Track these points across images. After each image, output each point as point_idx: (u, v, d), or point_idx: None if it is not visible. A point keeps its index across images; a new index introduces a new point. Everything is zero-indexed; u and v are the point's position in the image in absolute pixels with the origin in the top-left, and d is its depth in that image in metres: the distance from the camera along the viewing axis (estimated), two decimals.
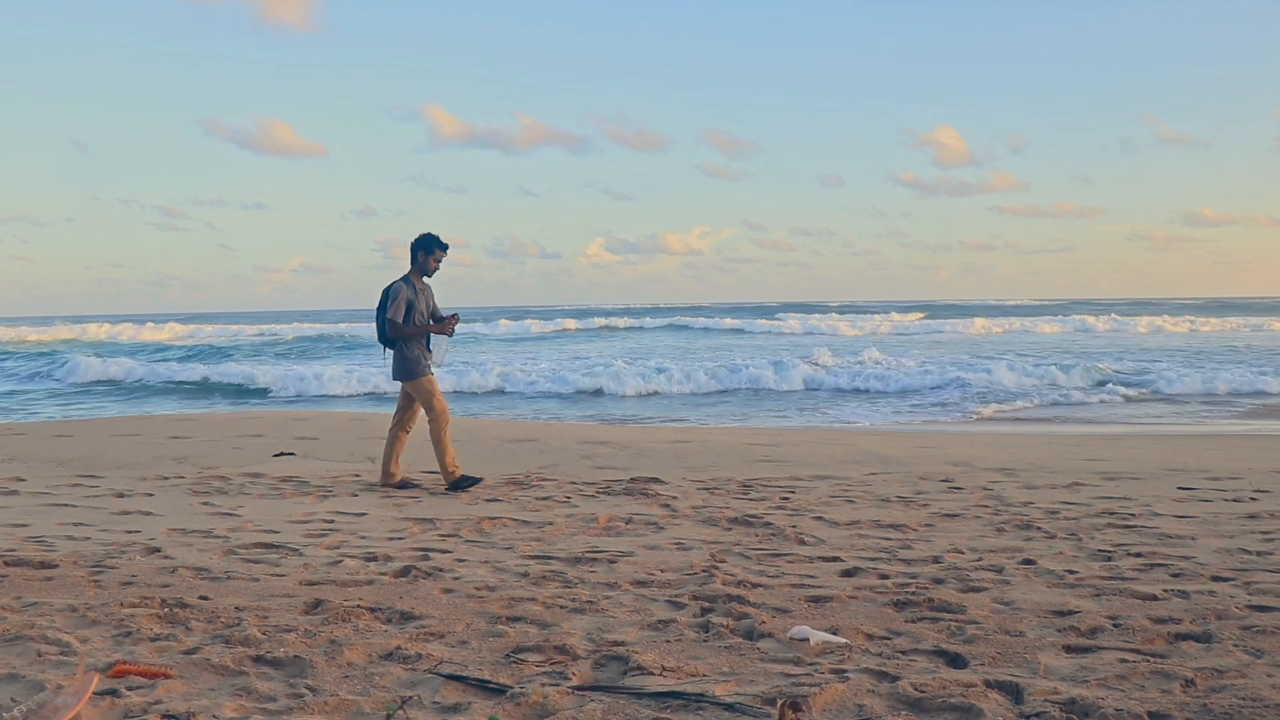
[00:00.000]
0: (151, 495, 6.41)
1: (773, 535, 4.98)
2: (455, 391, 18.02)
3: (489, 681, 2.69)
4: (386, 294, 6.79)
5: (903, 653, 2.97)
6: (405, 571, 4.13)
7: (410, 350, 6.73)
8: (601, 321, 46.98)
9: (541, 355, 27.84)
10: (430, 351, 6.83)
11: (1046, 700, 2.49)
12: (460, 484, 6.65)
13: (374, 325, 7.00)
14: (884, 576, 4.01)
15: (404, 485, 6.79)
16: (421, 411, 6.93)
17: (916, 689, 2.59)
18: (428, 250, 6.77)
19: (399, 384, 6.93)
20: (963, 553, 4.48)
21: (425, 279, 6.87)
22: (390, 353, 6.85)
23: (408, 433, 6.95)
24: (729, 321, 46.54)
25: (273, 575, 4.09)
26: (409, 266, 6.84)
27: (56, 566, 4.22)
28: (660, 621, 3.33)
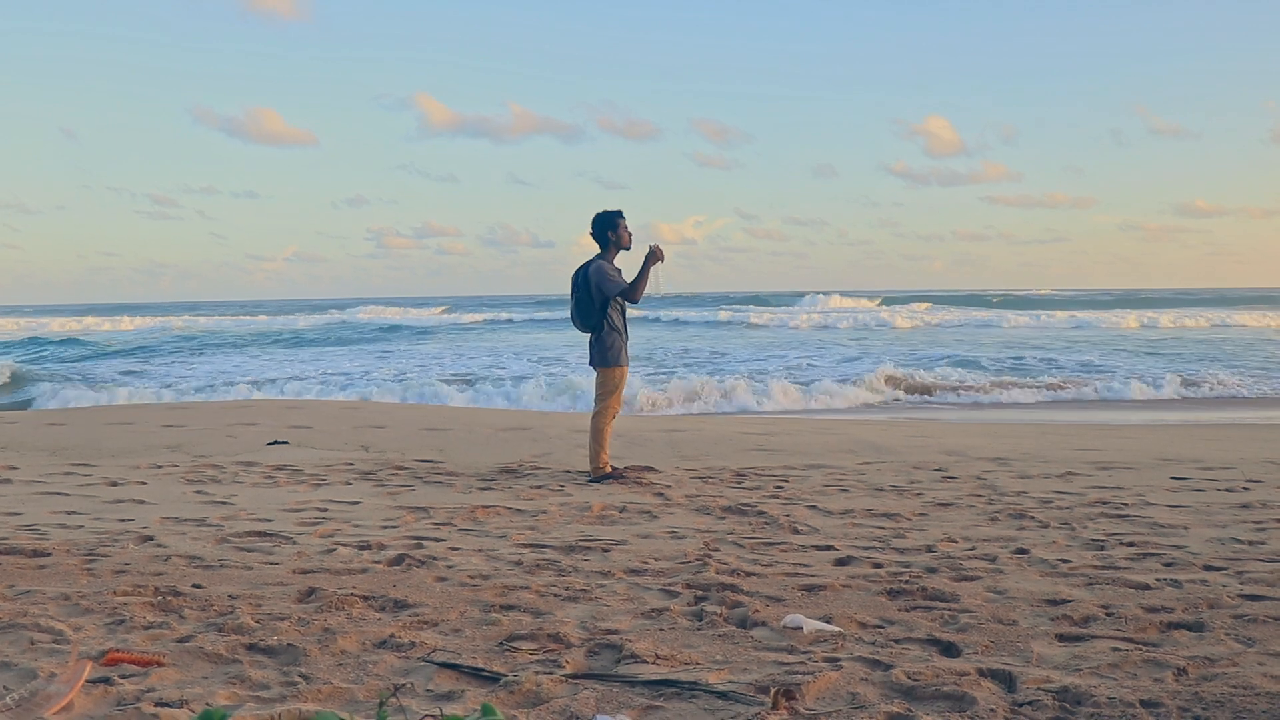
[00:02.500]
0: (145, 484, 6.40)
1: (766, 524, 4.98)
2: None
3: (482, 669, 2.69)
4: (584, 276, 6.52)
5: (896, 641, 2.98)
6: (399, 560, 4.13)
7: (611, 338, 6.54)
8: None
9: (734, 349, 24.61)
10: (626, 338, 6.66)
11: (1039, 689, 2.50)
12: (605, 479, 6.46)
13: (570, 312, 6.73)
14: (877, 565, 4.02)
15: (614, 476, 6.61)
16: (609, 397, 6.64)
17: (910, 677, 2.60)
18: (613, 226, 6.53)
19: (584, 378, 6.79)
20: (956, 542, 4.49)
21: (620, 253, 6.60)
22: (587, 339, 6.65)
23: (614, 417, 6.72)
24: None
25: (266, 563, 4.08)
26: (598, 252, 6.58)
27: (49, 555, 4.21)
28: (654, 610, 3.33)
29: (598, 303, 6.51)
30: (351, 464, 7.30)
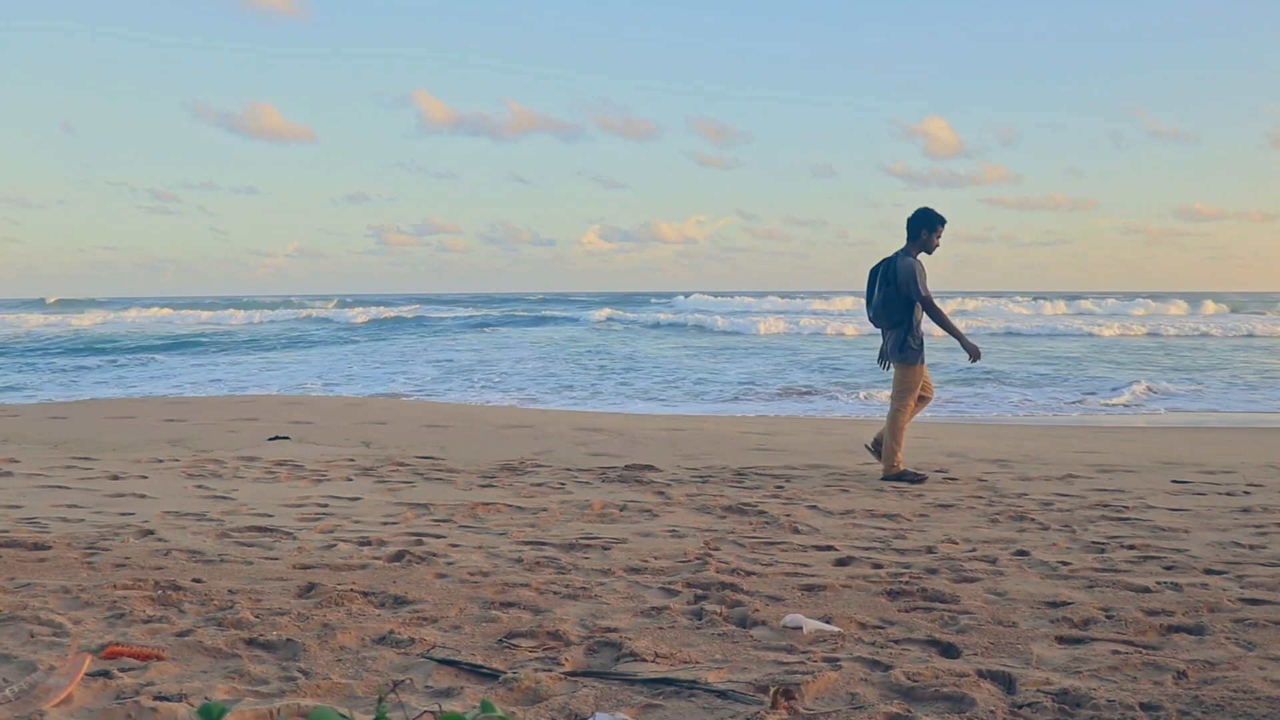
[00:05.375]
0: (145, 478, 6.40)
1: (766, 524, 4.98)
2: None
3: (482, 666, 2.69)
4: (892, 268, 6.42)
5: (895, 642, 2.97)
6: (399, 556, 4.13)
7: (917, 332, 6.49)
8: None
9: None
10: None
11: (1039, 690, 2.49)
12: (902, 478, 6.43)
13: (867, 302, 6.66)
14: (877, 566, 4.01)
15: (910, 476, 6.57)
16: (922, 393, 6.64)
17: (909, 678, 2.59)
18: (931, 227, 6.44)
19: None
20: (956, 543, 4.49)
21: (923, 255, 6.56)
22: (889, 333, 6.56)
23: (927, 402, 6.69)
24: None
25: (266, 559, 4.09)
26: (906, 243, 6.51)
27: (50, 548, 4.21)
28: (653, 608, 3.33)
29: (904, 299, 6.45)
30: (352, 460, 7.31)
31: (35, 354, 26.03)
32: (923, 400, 6.67)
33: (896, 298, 6.44)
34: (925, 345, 6.56)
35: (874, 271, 6.62)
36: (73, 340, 31.95)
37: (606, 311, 44.27)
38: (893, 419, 6.53)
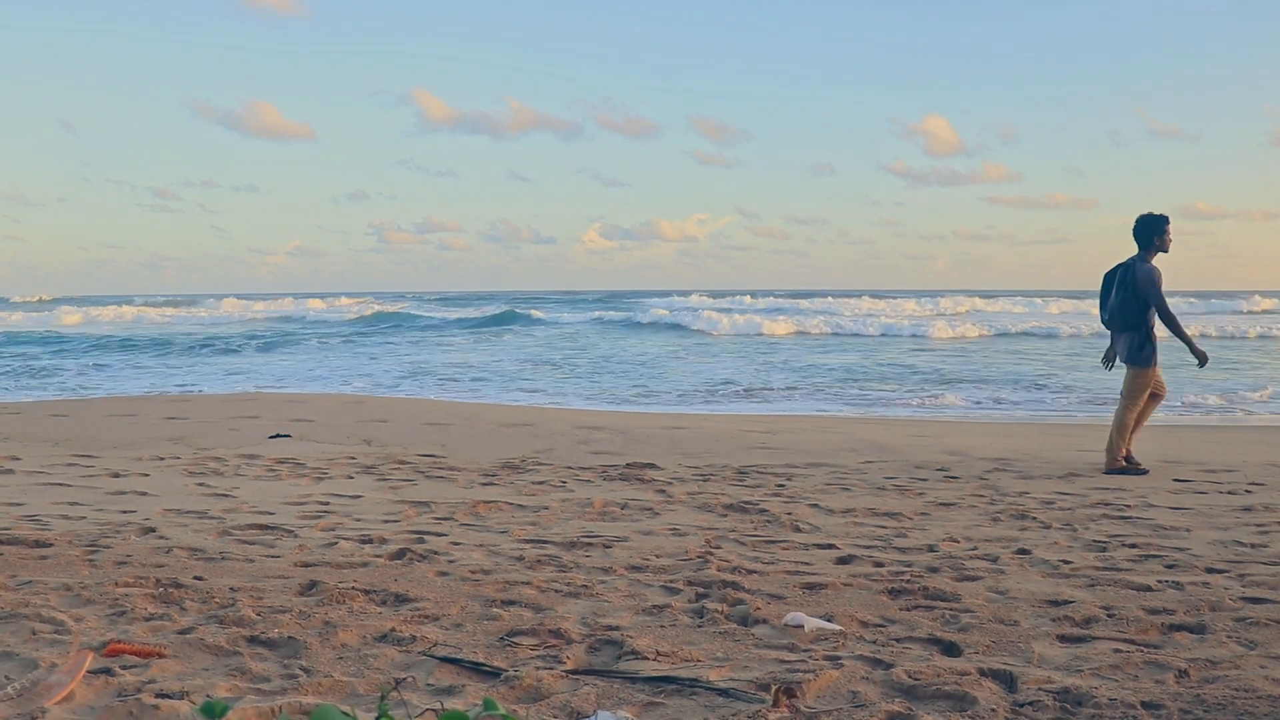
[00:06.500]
0: (147, 475, 6.40)
1: (768, 522, 4.98)
2: None
3: (483, 664, 2.69)
4: (1130, 273, 6.69)
5: (897, 640, 2.97)
6: (400, 554, 4.13)
7: (1150, 340, 6.73)
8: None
9: None
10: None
11: (1040, 689, 2.49)
12: (1125, 471, 6.69)
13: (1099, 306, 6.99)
14: (879, 564, 4.01)
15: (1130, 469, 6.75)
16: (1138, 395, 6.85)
17: (910, 676, 2.59)
18: (1160, 231, 6.70)
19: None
20: (958, 542, 4.49)
21: (1159, 255, 6.77)
22: (1122, 336, 6.82)
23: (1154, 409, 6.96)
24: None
25: (267, 556, 4.09)
26: (1137, 250, 6.75)
27: (51, 545, 4.21)
28: (655, 606, 3.33)
29: (1141, 304, 6.69)
30: (353, 458, 7.31)
31: None
32: (1155, 398, 6.95)
33: (1135, 301, 6.71)
34: (1159, 348, 6.80)
35: (1109, 276, 6.92)
36: None
37: (597, 313, 44.07)
38: (1120, 416, 6.82)
